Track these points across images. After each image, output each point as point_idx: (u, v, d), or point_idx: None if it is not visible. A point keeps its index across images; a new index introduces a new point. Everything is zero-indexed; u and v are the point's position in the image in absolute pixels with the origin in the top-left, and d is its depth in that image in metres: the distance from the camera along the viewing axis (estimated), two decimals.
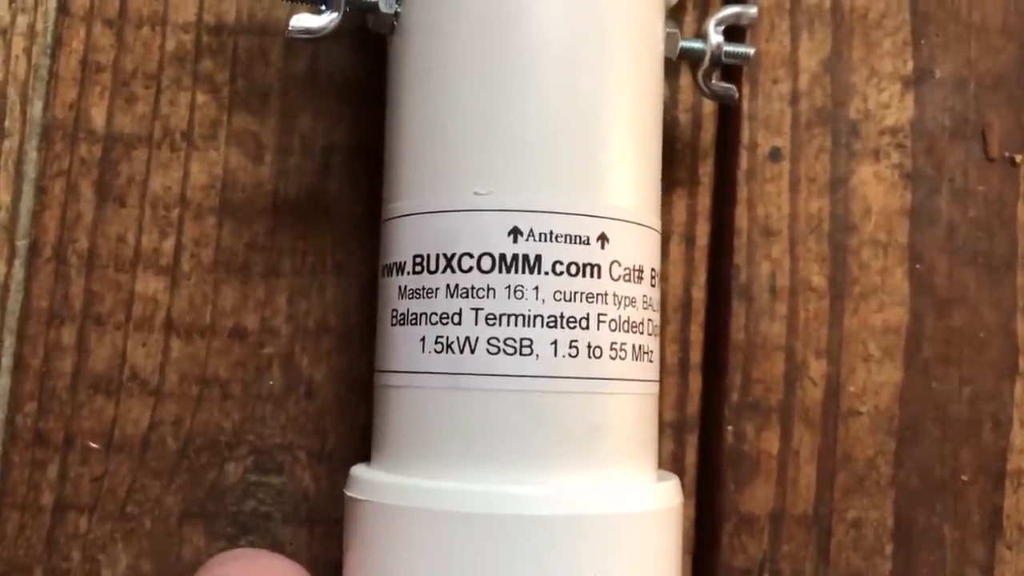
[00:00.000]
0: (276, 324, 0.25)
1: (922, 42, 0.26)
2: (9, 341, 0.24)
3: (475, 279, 0.19)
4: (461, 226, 0.20)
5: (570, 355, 0.19)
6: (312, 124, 0.25)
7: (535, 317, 0.19)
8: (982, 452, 0.25)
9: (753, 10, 0.23)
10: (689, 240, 0.25)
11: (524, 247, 0.19)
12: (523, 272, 0.19)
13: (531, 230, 0.19)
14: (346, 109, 0.25)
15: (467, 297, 0.19)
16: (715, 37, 0.23)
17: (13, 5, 0.25)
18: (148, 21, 0.25)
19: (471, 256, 0.19)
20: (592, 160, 0.20)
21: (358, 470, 0.21)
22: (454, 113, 0.20)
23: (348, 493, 0.20)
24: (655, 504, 0.20)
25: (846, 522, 0.25)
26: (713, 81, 0.23)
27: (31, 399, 0.24)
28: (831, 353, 0.25)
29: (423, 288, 0.20)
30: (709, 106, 0.26)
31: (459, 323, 0.19)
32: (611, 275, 0.20)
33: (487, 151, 0.20)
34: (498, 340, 0.19)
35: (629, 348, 0.20)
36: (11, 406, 0.24)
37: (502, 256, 0.19)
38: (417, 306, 0.20)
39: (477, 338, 0.19)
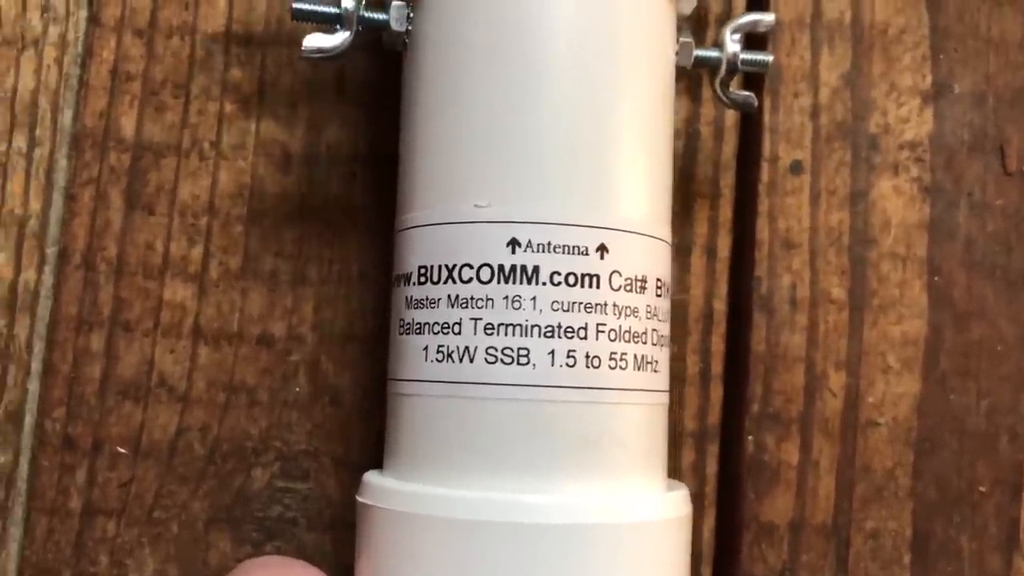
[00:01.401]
0: (302, 332, 0.25)
1: (941, 57, 0.26)
2: (39, 347, 0.25)
3: (475, 289, 0.20)
4: (462, 238, 0.20)
5: (567, 364, 0.19)
6: (338, 133, 0.25)
7: (532, 327, 0.19)
8: (999, 464, 0.26)
9: (770, 17, 0.24)
10: (711, 252, 0.26)
11: (522, 258, 0.20)
12: (521, 283, 0.19)
13: (529, 241, 0.20)
14: (372, 118, 0.25)
15: (467, 307, 0.20)
16: (732, 45, 0.23)
17: (45, 15, 0.25)
18: (177, 31, 0.25)
19: (471, 267, 0.20)
20: (593, 171, 0.20)
21: (371, 476, 0.21)
22: (458, 127, 0.20)
23: (360, 499, 0.21)
24: (663, 514, 0.20)
25: (864, 532, 0.25)
26: (731, 90, 0.24)
27: (60, 404, 0.24)
28: (850, 365, 0.25)
29: (426, 298, 0.20)
30: (731, 119, 0.26)
31: (459, 333, 0.20)
32: (611, 285, 0.20)
33: (488, 164, 0.20)
34: (496, 349, 0.19)
35: (630, 358, 0.20)
36: (40, 411, 0.24)
37: (500, 267, 0.20)
38: (421, 316, 0.20)
39: (476, 347, 0.20)
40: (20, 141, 0.25)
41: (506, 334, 0.19)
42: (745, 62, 0.23)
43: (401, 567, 0.19)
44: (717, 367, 0.25)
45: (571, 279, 0.20)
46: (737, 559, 0.25)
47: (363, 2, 0.22)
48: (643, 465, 0.20)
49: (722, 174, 0.26)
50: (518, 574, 0.19)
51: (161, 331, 0.25)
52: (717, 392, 0.25)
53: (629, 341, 0.20)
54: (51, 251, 0.25)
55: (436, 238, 0.20)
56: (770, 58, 0.24)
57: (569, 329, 0.19)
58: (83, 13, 0.25)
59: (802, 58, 0.26)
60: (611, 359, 0.20)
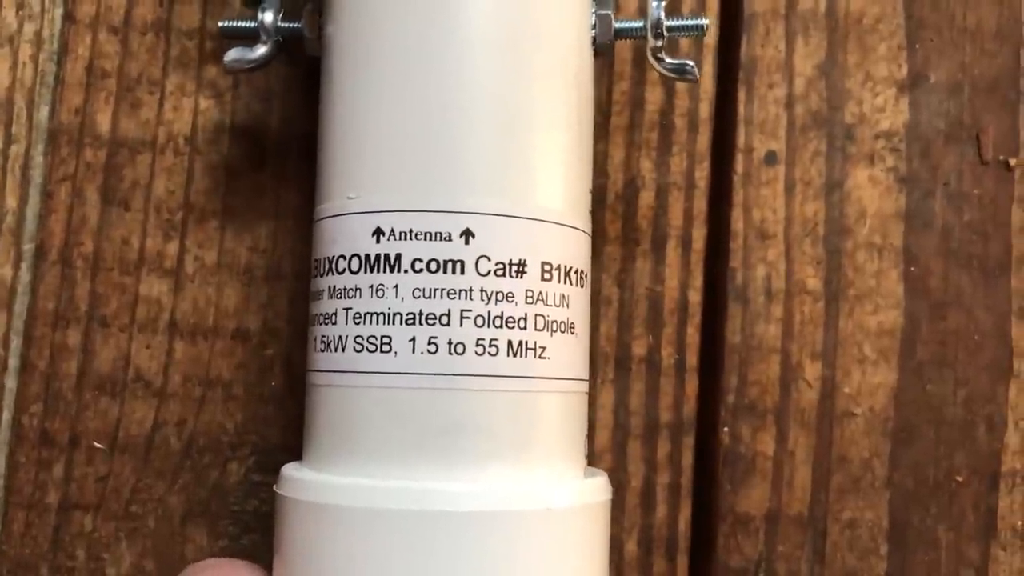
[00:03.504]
0: (278, 326, 0.25)
1: (916, 47, 0.26)
2: (16, 343, 0.25)
3: (346, 280, 0.20)
4: (337, 230, 0.20)
5: (429, 352, 0.19)
6: (312, 128, 0.25)
7: (394, 315, 0.19)
8: (976, 454, 0.26)
9: None
10: (685, 243, 0.26)
11: (386, 247, 0.20)
12: (384, 271, 0.20)
13: (392, 229, 0.20)
14: None
15: (340, 298, 0.20)
16: (655, 11, 0.23)
17: (20, 13, 0.25)
18: (152, 28, 0.25)
19: (344, 258, 0.20)
20: (457, 156, 0.20)
21: (286, 467, 0.21)
22: (339, 125, 0.21)
23: (275, 490, 0.21)
24: (574, 501, 0.20)
25: (841, 523, 0.25)
26: (666, 59, 0.23)
27: (37, 400, 0.25)
28: (826, 355, 0.25)
29: (316, 291, 0.21)
30: (705, 110, 0.26)
31: (335, 323, 0.20)
32: (477, 270, 0.20)
33: (357, 157, 0.20)
34: (363, 338, 0.20)
35: (502, 344, 0.19)
36: (17, 406, 0.25)
37: (367, 256, 0.20)
38: (313, 308, 0.21)
39: (347, 337, 0.20)
40: None
41: (371, 323, 0.20)
42: (675, 28, 0.23)
43: (301, 555, 0.20)
44: (692, 358, 0.25)
45: (433, 265, 0.19)
46: (713, 550, 0.25)
47: (280, 13, 0.23)
48: (556, 452, 0.20)
49: (697, 165, 0.26)
50: (408, 565, 0.19)
51: (137, 326, 0.25)
52: (692, 383, 0.25)
53: (501, 327, 0.19)
54: (28, 247, 0.25)
55: (321, 232, 0.21)
56: (704, 21, 0.23)
57: (431, 316, 0.19)
58: (58, 10, 0.25)
59: (777, 48, 0.26)
60: (478, 345, 0.19)
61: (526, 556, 0.19)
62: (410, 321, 0.19)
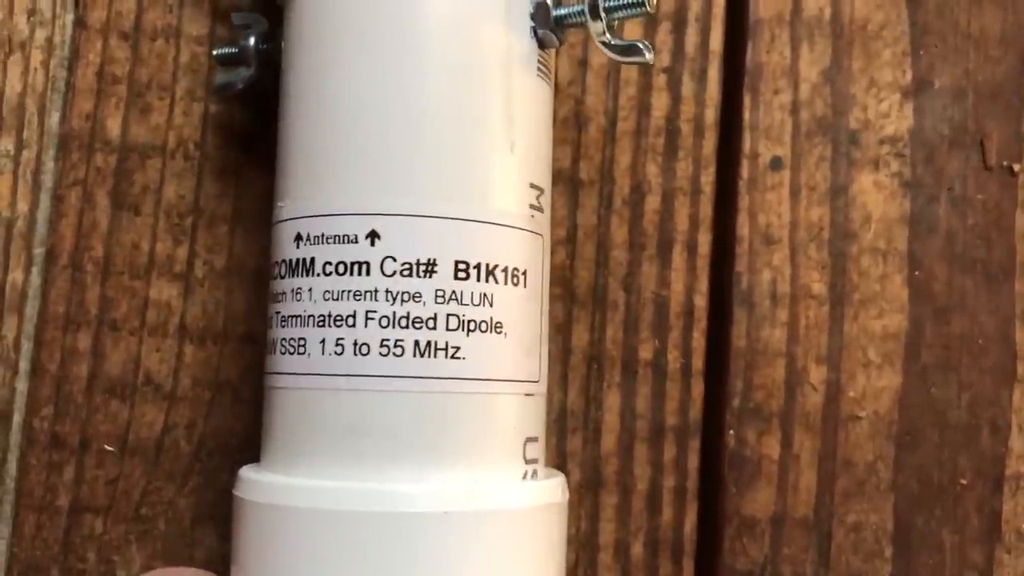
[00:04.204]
0: None
1: (921, 53, 0.26)
2: (27, 346, 0.25)
3: (277, 285, 0.21)
4: (274, 237, 0.21)
5: (336, 353, 0.20)
6: None
7: (308, 317, 0.20)
8: (981, 457, 0.26)
9: None
10: (691, 248, 0.26)
11: (303, 251, 0.20)
12: (301, 275, 0.20)
13: (308, 234, 0.20)
14: None
15: (273, 302, 0.21)
16: None
17: (32, 19, 0.25)
18: (162, 34, 0.26)
19: (277, 264, 0.21)
20: (361, 159, 0.20)
21: (243, 469, 0.21)
22: (279, 137, 0.22)
23: (234, 492, 0.21)
24: (521, 502, 0.20)
25: (846, 526, 0.25)
26: (612, 41, 0.22)
27: (48, 403, 0.25)
28: (831, 359, 0.26)
29: (267, 295, 0.22)
30: (711, 116, 0.26)
31: (271, 327, 0.21)
32: (383, 271, 0.20)
33: (287, 167, 0.21)
34: (286, 340, 0.20)
35: (409, 344, 0.19)
36: (28, 409, 0.25)
37: (289, 262, 0.21)
38: (267, 312, 0.22)
39: (275, 339, 0.21)
40: (7, 143, 0.25)
41: (291, 325, 0.20)
42: (612, 8, 0.21)
43: (260, 557, 0.20)
44: (698, 362, 0.26)
45: (341, 268, 0.20)
46: (719, 553, 0.25)
47: (263, 37, 0.23)
48: (481, 454, 0.20)
49: (703, 170, 0.26)
50: (354, 563, 0.19)
51: (147, 330, 0.25)
52: (698, 387, 0.26)
53: (407, 327, 0.20)
54: (38, 252, 0.25)
55: (271, 240, 0.22)
56: None
57: (338, 317, 0.20)
58: (69, 16, 0.26)
59: (782, 54, 0.26)
60: (382, 346, 0.19)
61: (465, 558, 0.19)
62: (321, 323, 0.20)
